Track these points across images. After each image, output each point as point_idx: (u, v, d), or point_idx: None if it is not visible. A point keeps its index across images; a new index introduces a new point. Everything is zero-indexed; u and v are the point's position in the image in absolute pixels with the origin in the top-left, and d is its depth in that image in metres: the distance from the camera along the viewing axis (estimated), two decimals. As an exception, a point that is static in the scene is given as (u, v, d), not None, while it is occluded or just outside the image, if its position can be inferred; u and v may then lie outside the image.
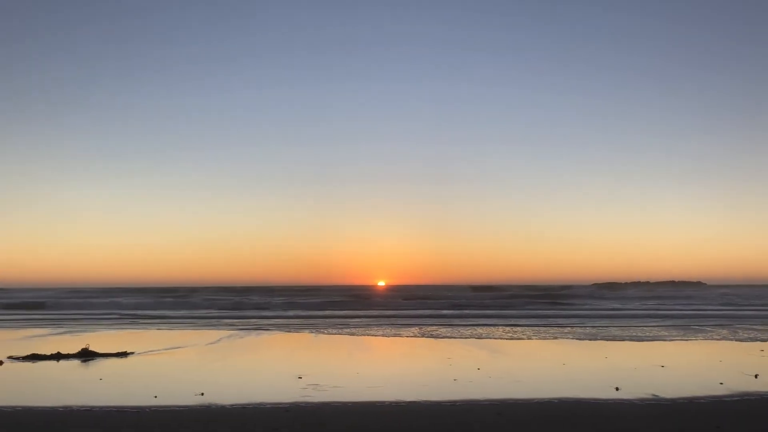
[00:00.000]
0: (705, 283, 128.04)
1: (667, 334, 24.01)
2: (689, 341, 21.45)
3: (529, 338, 22.60)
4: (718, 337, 22.53)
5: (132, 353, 17.70)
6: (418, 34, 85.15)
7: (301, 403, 10.37)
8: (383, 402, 10.44)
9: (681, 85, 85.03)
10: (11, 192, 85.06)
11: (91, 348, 17.84)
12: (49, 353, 17.21)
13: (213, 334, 24.90)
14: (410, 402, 10.43)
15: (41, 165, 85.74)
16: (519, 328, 27.08)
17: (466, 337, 22.83)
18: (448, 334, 24.24)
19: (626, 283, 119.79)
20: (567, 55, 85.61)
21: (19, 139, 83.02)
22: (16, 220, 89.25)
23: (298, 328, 28.20)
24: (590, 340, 21.88)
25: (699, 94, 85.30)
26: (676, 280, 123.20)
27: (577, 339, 22.21)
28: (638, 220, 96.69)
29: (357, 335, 24.70)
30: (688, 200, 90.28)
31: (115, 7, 79.43)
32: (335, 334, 25.30)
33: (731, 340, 21.72)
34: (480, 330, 26.32)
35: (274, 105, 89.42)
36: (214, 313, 43.47)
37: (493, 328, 27.20)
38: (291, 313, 43.96)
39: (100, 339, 22.95)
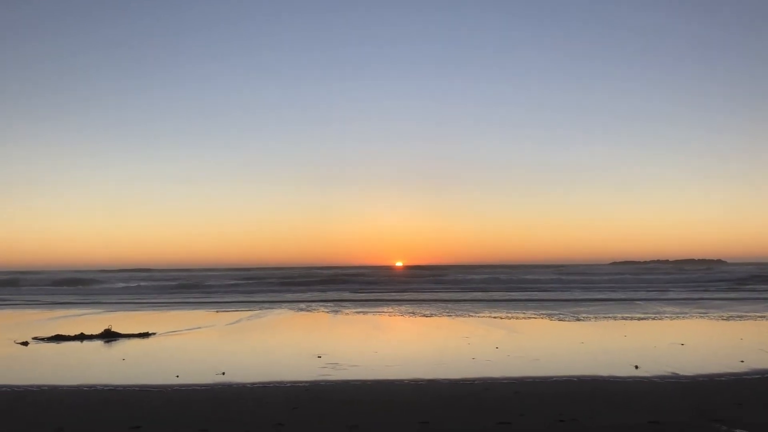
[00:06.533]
0: (726, 261, 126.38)
1: None
2: (709, 320, 21.28)
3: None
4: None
5: (153, 334, 17.97)
6: (424, 17, 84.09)
7: (321, 381, 10.48)
8: (402, 380, 10.51)
9: (702, 59, 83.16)
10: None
11: (114, 329, 18.11)
12: (72, 334, 17.52)
13: (232, 315, 25.19)
14: (429, 380, 10.49)
15: (67, 151, 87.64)
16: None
17: (484, 317, 22.86)
18: (466, 314, 24.28)
19: (647, 261, 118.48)
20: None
21: (23, 133, 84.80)
22: (29, 207, 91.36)
23: (317, 308, 28.43)
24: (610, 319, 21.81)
25: (717, 68, 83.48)
26: (696, 258, 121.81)
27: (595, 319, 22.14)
28: (654, 199, 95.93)
29: (375, 314, 24.84)
30: (701, 177, 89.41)
31: (119, 6, 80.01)
32: (353, 313, 25.46)
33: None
34: (499, 310, 26.33)
35: (283, 93, 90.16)
36: (234, 295, 43.93)
37: (515, 310, 27.19)
38: (309, 293, 44.29)
39: (122, 320, 23.34)
